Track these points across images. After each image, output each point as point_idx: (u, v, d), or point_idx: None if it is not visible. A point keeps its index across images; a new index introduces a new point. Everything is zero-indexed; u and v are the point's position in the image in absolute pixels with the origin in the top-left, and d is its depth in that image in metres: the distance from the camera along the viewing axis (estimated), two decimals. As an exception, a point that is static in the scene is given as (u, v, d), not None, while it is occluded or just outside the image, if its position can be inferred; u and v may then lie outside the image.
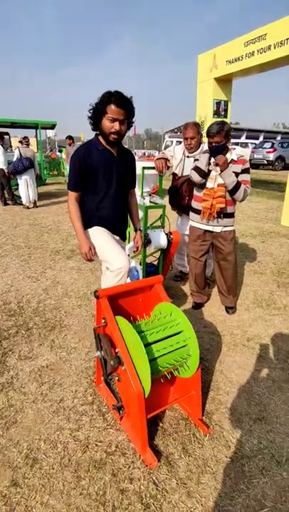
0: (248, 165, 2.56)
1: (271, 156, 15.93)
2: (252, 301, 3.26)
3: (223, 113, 8.11)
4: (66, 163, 11.59)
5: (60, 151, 13.57)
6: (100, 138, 2.01)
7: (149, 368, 1.47)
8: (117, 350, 1.63)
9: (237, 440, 1.69)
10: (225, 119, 8.22)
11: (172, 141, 20.56)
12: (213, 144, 2.41)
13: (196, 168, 2.58)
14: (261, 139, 27.81)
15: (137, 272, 3.06)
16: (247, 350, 2.46)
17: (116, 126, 1.89)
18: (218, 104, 8.00)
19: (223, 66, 7.38)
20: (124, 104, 1.85)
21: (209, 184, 2.56)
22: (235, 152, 2.54)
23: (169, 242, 2.99)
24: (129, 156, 2.17)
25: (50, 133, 17.78)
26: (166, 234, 2.98)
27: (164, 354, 1.62)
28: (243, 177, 2.54)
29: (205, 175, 2.54)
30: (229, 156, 2.50)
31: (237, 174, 2.49)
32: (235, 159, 2.51)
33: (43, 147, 14.07)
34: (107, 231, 2.15)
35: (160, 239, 2.90)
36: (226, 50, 7.23)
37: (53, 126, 12.41)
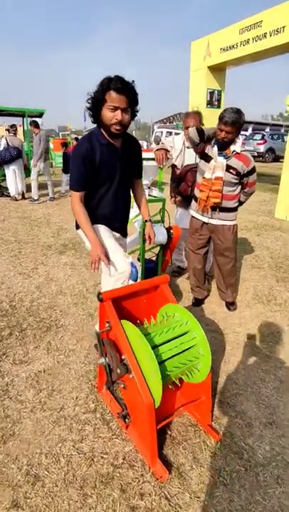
0: (253, 164, 2.39)
1: (262, 148, 15.91)
2: (252, 296, 3.20)
3: (216, 103, 7.95)
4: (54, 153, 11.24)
5: (47, 141, 13.12)
6: (102, 130, 1.83)
7: (160, 377, 1.37)
8: (123, 357, 1.52)
9: (249, 447, 1.62)
10: (218, 110, 8.07)
11: (162, 132, 20.24)
12: (224, 133, 2.21)
13: (190, 140, 2.46)
14: (250, 130, 27.79)
15: (135, 268, 2.95)
16: (251, 349, 2.40)
17: (118, 115, 1.69)
18: (211, 93, 7.82)
19: (217, 54, 7.19)
20: (126, 90, 1.66)
21: (207, 174, 2.42)
22: (239, 144, 2.36)
23: (170, 238, 2.87)
24: (134, 145, 2.00)
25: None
26: (167, 229, 2.87)
27: (172, 356, 1.52)
28: (248, 179, 2.44)
29: (196, 145, 2.40)
30: (233, 147, 2.34)
31: (237, 172, 2.34)
32: (238, 152, 2.34)
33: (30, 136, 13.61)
34: (108, 229, 2.01)
35: (161, 234, 2.77)
36: (220, 38, 7.03)
37: (40, 115, 11.96)
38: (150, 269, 3.06)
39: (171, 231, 2.89)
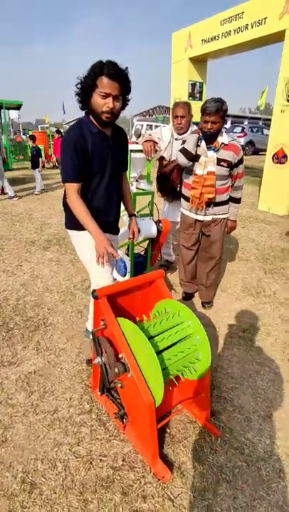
0: (242, 152, 2.36)
1: (242, 141, 16.03)
2: (241, 289, 3.21)
3: (198, 95, 7.90)
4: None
5: (25, 134, 12.72)
6: (92, 118, 1.72)
7: (162, 375, 1.32)
8: (121, 356, 1.46)
9: (249, 441, 1.61)
10: (200, 102, 8.04)
11: (142, 125, 20.04)
12: (209, 125, 2.17)
13: (183, 150, 2.36)
14: (229, 123, 28.03)
15: (124, 263, 2.87)
16: (244, 342, 2.40)
17: (109, 103, 1.59)
18: (193, 85, 7.76)
19: (199, 45, 7.12)
20: (119, 77, 1.56)
21: (198, 171, 2.35)
22: (226, 135, 2.31)
23: (159, 231, 2.81)
24: (123, 136, 1.91)
25: (13, 114, 16.60)
26: (156, 222, 2.81)
27: (169, 346, 1.48)
28: (238, 169, 2.40)
29: (192, 158, 2.34)
30: (220, 139, 2.29)
31: (229, 163, 2.30)
32: (226, 143, 2.30)
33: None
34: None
35: (150, 227, 2.71)
36: (202, 29, 6.95)
37: (18, 107, 11.52)
38: (139, 263, 3.01)
39: (160, 224, 2.84)
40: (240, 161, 2.38)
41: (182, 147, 2.38)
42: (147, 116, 33.98)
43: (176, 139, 2.89)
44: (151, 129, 20.04)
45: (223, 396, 1.88)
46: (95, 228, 1.70)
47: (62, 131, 9.55)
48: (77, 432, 1.63)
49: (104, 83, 1.55)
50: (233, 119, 31.93)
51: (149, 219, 2.78)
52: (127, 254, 2.90)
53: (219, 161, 2.30)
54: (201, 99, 7.97)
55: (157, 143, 2.79)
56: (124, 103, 1.71)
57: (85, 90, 1.61)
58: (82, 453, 1.53)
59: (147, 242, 2.94)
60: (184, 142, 2.47)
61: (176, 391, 1.80)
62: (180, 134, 2.86)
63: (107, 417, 1.72)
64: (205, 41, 6.93)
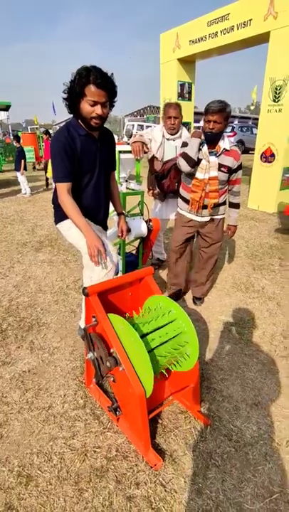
0: (241, 159, 2.36)
1: (232, 140, 16.20)
2: (231, 285, 3.29)
3: (187, 95, 7.98)
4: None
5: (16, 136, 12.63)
6: (80, 121, 1.78)
7: (151, 366, 1.38)
8: (112, 350, 1.51)
9: (237, 428, 1.68)
10: (189, 102, 8.13)
11: (133, 125, 20.11)
12: (212, 124, 2.14)
13: (185, 156, 2.32)
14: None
15: (116, 262, 2.93)
16: (233, 336, 2.47)
17: (98, 110, 1.65)
18: (182, 86, 7.83)
19: (186, 46, 7.20)
20: (106, 84, 1.62)
21: (199, 174, 2.32)
22: (227, 140, 2.30)
23: (149, 230, 2.87)
24: (110, 138, 1.97)
25: (1, 115, 16.50)
26: (146, 221, 2.87)
27: (160, 344, 1.53)
28: (237, 175, 2.40)
29: (195, 164, 2.30)
30: (222, 143, 2.26)
31: (229, 169, 2.30)
32: (228, 149, 2.28)
33: (-4, 131, 13.02)
34: (91, 223, 1.97)
35: (141, 227, 2.77)
36: (189, 30, 7.03)
37: (6, 108, 11.49)
38: (131, 262, 3.06)
39: (151, 223, 2.90)
40: (240, 167, 2.39)
41: (184, 152, 2.33)
42: (138, 117, 34.09)
43: (167, 139, 2.94)
44: (142, 129, 20.11)
45: (212, 387, 1.95)
46: (85, 226, 1.77)
47: (51, 132, 9.52)
48: (71, 426, 1.68)
49: (92, 91, 1.60)
50: (223, 119, 32.11)
51: (140, 218, 2.83)
52: (119, 254, 2.96)
53: (220, 167, 2.30)
54: (190, 99, 8.07)
55: (146, 143, 2.83)
56: (111, 105, 1.77)
57: (73, 97, 1.66)
58: (77, 445, 1.58)
59: (138, 241, 2.99)
60: (184, 144, 2.41)
61: (167, 383, 1.86)
62: (172, 135, 2.91)
63: (101, 410, 1.77)
64: (193, 42, 7.02)
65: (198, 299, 2.94)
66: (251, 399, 1.87)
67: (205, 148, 2.26)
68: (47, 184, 8.32)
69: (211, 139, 2.23)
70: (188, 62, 7.74)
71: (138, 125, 20.59)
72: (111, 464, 1.48)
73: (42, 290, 3.13)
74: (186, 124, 8.22)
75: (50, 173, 7.66)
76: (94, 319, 1.62)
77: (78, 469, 1.46)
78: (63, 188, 1.76)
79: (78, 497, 1.35)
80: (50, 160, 8.33)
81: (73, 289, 3.16)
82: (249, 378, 2.03)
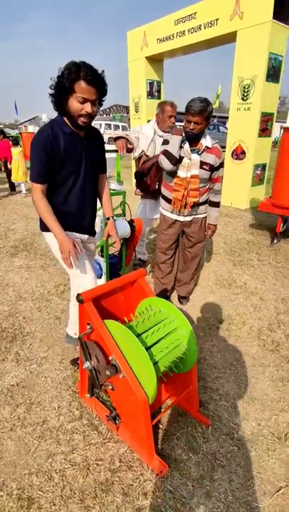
0: (223, 157, 2.37)
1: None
2: (214, 282, 3.33)
3: (156, 94, 7.99)
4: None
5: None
6: (66, 119, 1.69)
7: (154, 371, 1.35)
8: (111, 358, 1.46)
9: (237, 426, 1.69)
10: (159, 101, 8.13)
11: (100, 124, 19.86)
12: (192, 125, 2.12)
13: (167, 154, 2.28)
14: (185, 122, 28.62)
15: (99, 265, 2.85)
16: (222, 333, 2.50)
17: (87, 108, 1.57)
18: (151, 84, 7.83)
19: (154, 45, 7.19)
20: (97, 81, 1.54)
21: (181, 173, 2.30)
22: (209, 138, 2.29)
23: (132, 231, 2.83)
24: (98, 137, 1.89)
25: None
26: (129, 222, 2.82)
27: (162, 357, 1.50)
28: (218, 173, 2.40)
29: (177, 162, 2.26)
30: (204, 141, 2.24)
31: (210, 167, 2.29)
32: (210, 146, 2.26)
33: None
34: (76, 240, 1.89)
35: (124, 228, 2.72)
36: (156, 28, 7.03)
37: None
38: (114, 264, 3.01)
39: (134, 224, 2.86)
40: (221, 165, 2.39)
41: (165, 150, 2.28)
42: (104, 115, 33.69)
43: (160, 136, 2.87)
44: (110, 128, 19.89)
45: (208, 386, 1.95)
46: (57, 228, 1.70)
47: (5, 131, 9.08)
48: (69, 440, 1.60)
49: (83, 88, 1.52)
50: (189, 117, 32.71)
51: (123, 219, 2.78)
52: (102, 256, 2.89)
53: (202, 164, 2.28)
54: (159, 97, 8.08)
55: (130, 141, 2.76)
56: (100, 104, 1.70)
57: (61, 94, 1.57)
58: (78, 460, 1.51)
59: (121, 242, 2.94)
60: (165, 142, 2.37)
61: (165, 387, 1.83)
62: (166, 132, 2.82)
63: (99, 420, 1.71)
64: (160, 40, 7.03)
65: (183, 298, 2.94)
66: (247, 395, 1.90)
67: (187, 145, 2.24)
68: (13, 188, 7.84)
69: (193, 138, 2.22)
70: (156, 61, 7.75)
71: (105, 124, 20.37)
72: (116, 476, 1.43)
73: (22, 297, 2.98)
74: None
75: (16, 177, 7.29)
76: (89, 326, 1.55)
77: (82, 485, 1.40)
78: (38, 189, 1.69)
79: (85, 515, 1.29)
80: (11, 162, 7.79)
81: (55, 294, 3.04)
82: (242, 374, 2.06)
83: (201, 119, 2.09)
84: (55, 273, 3.47)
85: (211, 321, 2.65)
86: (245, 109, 5.74)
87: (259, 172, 6.21)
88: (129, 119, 27.93)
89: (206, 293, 3.12)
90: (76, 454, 1.54)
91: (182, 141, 2.24)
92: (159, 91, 8.06)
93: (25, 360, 2.16)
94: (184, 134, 2.23)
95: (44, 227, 1.84)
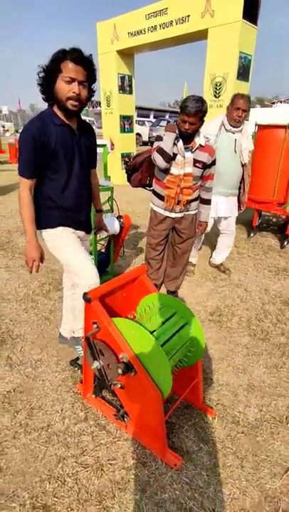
0: (215, 155, 2.39)
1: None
2: (199, 275, 3.40)
3: (128, 88, 7.90)
4: None
5: None
6: (56, 109, 1.62)
7: (169, 368, 1.35)
8: (121, 356, 1.44)
9: (241, 413, 1.75)
10: (130, 96, 8.08)
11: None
12: (187, 125, 2.11)
13: (161, 151, 2.22)
14: (152, 117, 28.82)
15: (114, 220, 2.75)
16: (214, 325, 2.56)
17: (74, 88, 1.51)
18: (122, 78, 7.73)
19: (125, 38, 7.10)
20: (83, 62, 1.51)
21: (174, 170, 2.28)
22: (202, 136, 2.29)
23: (120, 227, 2.80)
24: (90, 131, 1.83)
25: None
26: (117, 217, 2.78)
27: (175, 353, 1.51)
28: (210, 170, 2.42)
29: (170, 159, 2.24)
30: (197, 140, 2.24)
31: (203, 164, 2.31)
32: (203, 144, 2.27)
33: None
34: (74, 234, 1.84)
35: (113, 224, 2.68)
36: (127, 22, 6.94)
37: None
38: (102, 260, 2.96)
39: (122, 220, 2.83)
40: (214, 162, 2.41)
41: (159, 147, 2.26)
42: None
43: (227, 130, 2.83)
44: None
45: (209, 377, 2.00)
46: (31, 233, 1.69)
47: None
48: (78, 442, 1.57)
49: (69, 67, 1.49)
50: (156, 113, 33.05)
51: (111, 215, 2.74)
52: (90, 253, 2.83)
53: (195, 162, 2.29)
54: (131, 92, 8.01)
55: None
56: (90, 93, 1.65)
57: (48, 76, 1.52)
58: (90, 462, 1.48)
59: (108, 239, 2.90)
60: (159, 138, 2.33)
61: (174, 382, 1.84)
62: (233, 127, 2.81)
63: (106, 420, 1.69)
64: (131, 34, 6.95)
65: (172, 293, 2.96)
66: (246, 383, 1.97)
67: (180, 143, 2.23)
68: None
69: (187, 136, 2.22)
70: (127, 55, 7.66)
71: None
72: (131, 474, 1.43)
73: (5, 299, 2.84)
74: (128, 118, 8.18)
75: None
76: (95, 325, 1.52)
77: (98, 487, 1.38)
78: (26, 184, 1.64)
79: (106, 516, 1.27)
80: None
81: (40, 294, 2.93)
82: (239, 364, 2.13)
83: (196, 120, 2.10)
84: (38, 272, 3.33)
85: (202, 314, 2.70)
86: (217, 106, 5.86)
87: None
88: (96, 113, 27.20)
89: (193, 287, 3.17)
90: (87, 455, 1.50)
91: (176, 139, 2.23)
92: (130, 85, 7.99)
93: (18, 364, 2.07)
94: (177, 131, 2.22)
95: (43, 226, 1.77)
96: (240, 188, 3.19)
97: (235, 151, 2.90)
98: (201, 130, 2.28)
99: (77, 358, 2.06)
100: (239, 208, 3.27)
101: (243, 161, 2.97)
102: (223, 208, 3.11)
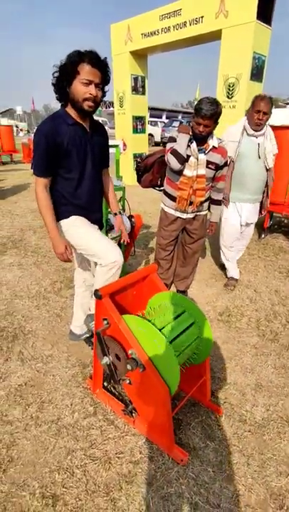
0: (227, 156, 2.39)
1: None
2: (209, 276, 3.40)
3: (141, 89, 7.95)
4: None
5: None
6: (69, 110, 1.67)
7: (177, 365, 1.37)
8: (130, 352, 1.47)
9: (248, 412, 1.76)
10: (143, 96, 8.12)
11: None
12: (202, 127, 2.11)
13: (175, 153, 2.22)
14: (164, 117, 28.86)
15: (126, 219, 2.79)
16: (223, 325, 2.57)
17: (92, 90, 1.56)
18: (135, 79, 7.78)
19: (139, 39, 7.15)
20: (100, 65, 1.55)
21: (187, 172, 2.28)
22: (216, 138, 2.29)
23: (132, 227, 2.84)
24: (102, 131, 1.88)
25: None
26: (128, 217, 2.82)
27: (183, 350, 1.53)
28: (222, 172, 2.42)
29: (184, 161, 2.24)
30: (211, 141, 2.24)
31: (216, 166, 2.31)
32: (216, 146, 2.27)
33: None
34: (87, 220, 1.88)
35: (125, 224, 2.71)
36: (141, 23, 6.98)
37: None
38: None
39: (133, 219, 2.86)
40: (226, 164, 2.41)
41: (173, 149, 2.25)
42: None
43: (249, 135, 2.66)
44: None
45: (216, 376, 2.01)
46: (54, 231, 1.76)
47: None
48: (87, 436, 1.60)
49: (87, 70, 1.53)
50: (169, 114, 33.04)
51: (123, 215, 2.78)
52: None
53: (208, 164, 2.29)
54: (144, 93, 8.05)
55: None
56: (103, 94, 1.69)
57: (65, 78, 1.57)
58: (98, 454, 1.51)
59: (119, 238, 2.93)
60: (172, 139, 2.32)
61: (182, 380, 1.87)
62: (255, 131, 2.64)
63: (114, 415, 1.72)
64: (145, 35, 6.99)
65: (182, 292, 2.98)
66: (253, 383, 1.97)
67: (194, 145, 2.24)
68: None
69: (201, 138, 2.22)
70: (140, 56, 7.70)
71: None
72: (138, 468, 1.46)
73: (18, 296, 2.91)
74: (141, 119, 8.22)
75: None
76: (106, 322, 1.55)
77: (105, 479, 1.41)
78: (41, 183, 1.72)
79: (113, 507, 1.30)
80: None
81: (52, 292, 2.99)
82: (247, 363, 2.13)
83: (210, 122, 2.09)
84: (50, 270, 3.41)
85: (211, 314, 2.71)
86: (230, 106, 5.84)
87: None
88: (108, 114, 27.32)
89: (203, 286, 3.18)
90: (95, 448, 1.54)
91: (189, 140, 2.24)
92: (143, 86, 8.03)
93: (30, 360, 2.12)
94: (190, 133, 2.23)
95: (60, 218, 1.83)
96: (263, 193, 3.08)
97: (259, 156, 2.73)
98: (222, 137, 2.26)
99: (92, 336, 2.07)
100: (260, 212, 3.16)
101: (268, 166, 2.78)
102: (248, 214, 2.98)
